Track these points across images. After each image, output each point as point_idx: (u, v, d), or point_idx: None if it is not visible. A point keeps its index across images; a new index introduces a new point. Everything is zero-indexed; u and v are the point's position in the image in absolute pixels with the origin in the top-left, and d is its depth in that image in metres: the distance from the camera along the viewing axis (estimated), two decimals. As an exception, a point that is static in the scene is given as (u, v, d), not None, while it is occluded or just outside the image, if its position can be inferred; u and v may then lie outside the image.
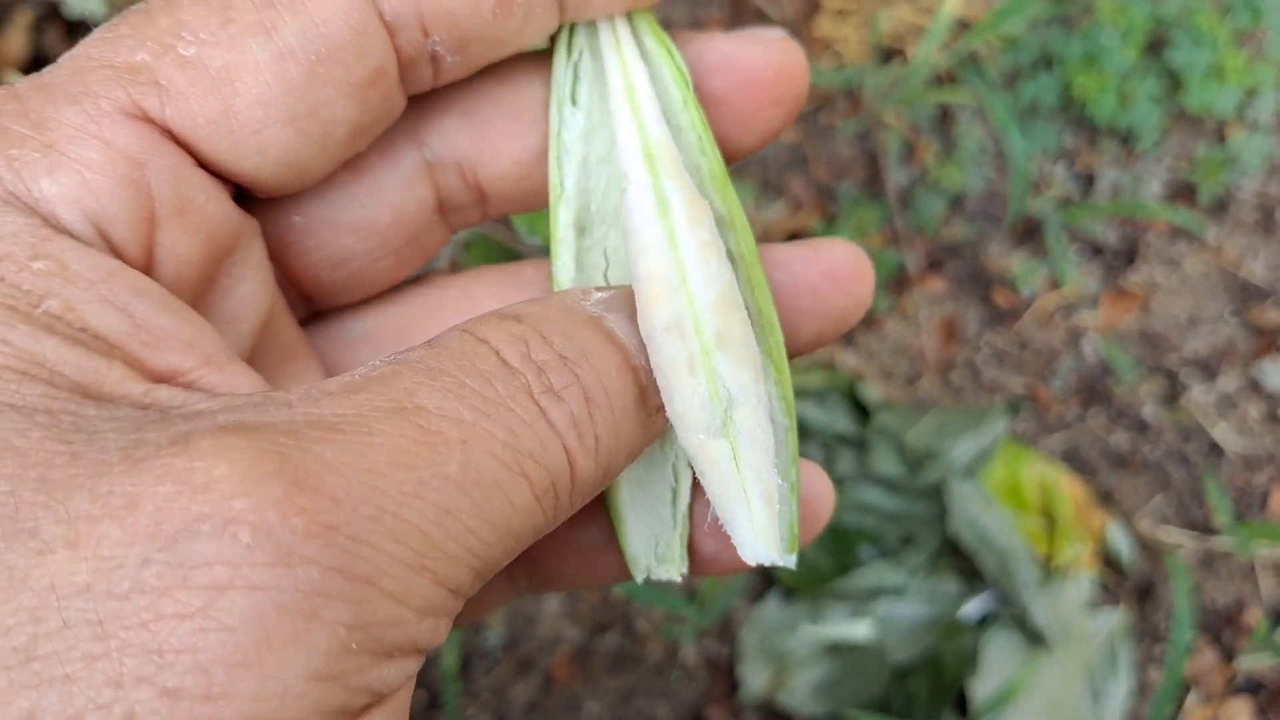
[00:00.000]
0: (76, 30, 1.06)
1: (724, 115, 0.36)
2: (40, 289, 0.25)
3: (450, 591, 0.25)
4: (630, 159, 0.35)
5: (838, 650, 0.97)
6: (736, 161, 0.37)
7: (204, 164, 0.30)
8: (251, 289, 0.33)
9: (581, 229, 0.37)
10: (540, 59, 0.37)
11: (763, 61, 0.36)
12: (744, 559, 0.33)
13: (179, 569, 0.22)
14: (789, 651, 0.98)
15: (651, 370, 0.32)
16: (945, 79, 1.16)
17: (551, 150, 0.36)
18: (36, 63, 1.07)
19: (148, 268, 0.29)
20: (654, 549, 0.37)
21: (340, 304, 0.38)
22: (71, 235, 0.27)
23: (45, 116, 0.27)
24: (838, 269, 0.37)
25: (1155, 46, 1.16)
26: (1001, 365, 1.12)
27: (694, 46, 0.36)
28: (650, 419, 0.32)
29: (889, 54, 1.17)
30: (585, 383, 0.29)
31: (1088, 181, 1.16)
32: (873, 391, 1.07)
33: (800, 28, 1.16)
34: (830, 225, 1.11)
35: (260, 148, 0.30)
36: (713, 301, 0.33)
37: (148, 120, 0.28)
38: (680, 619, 0.99)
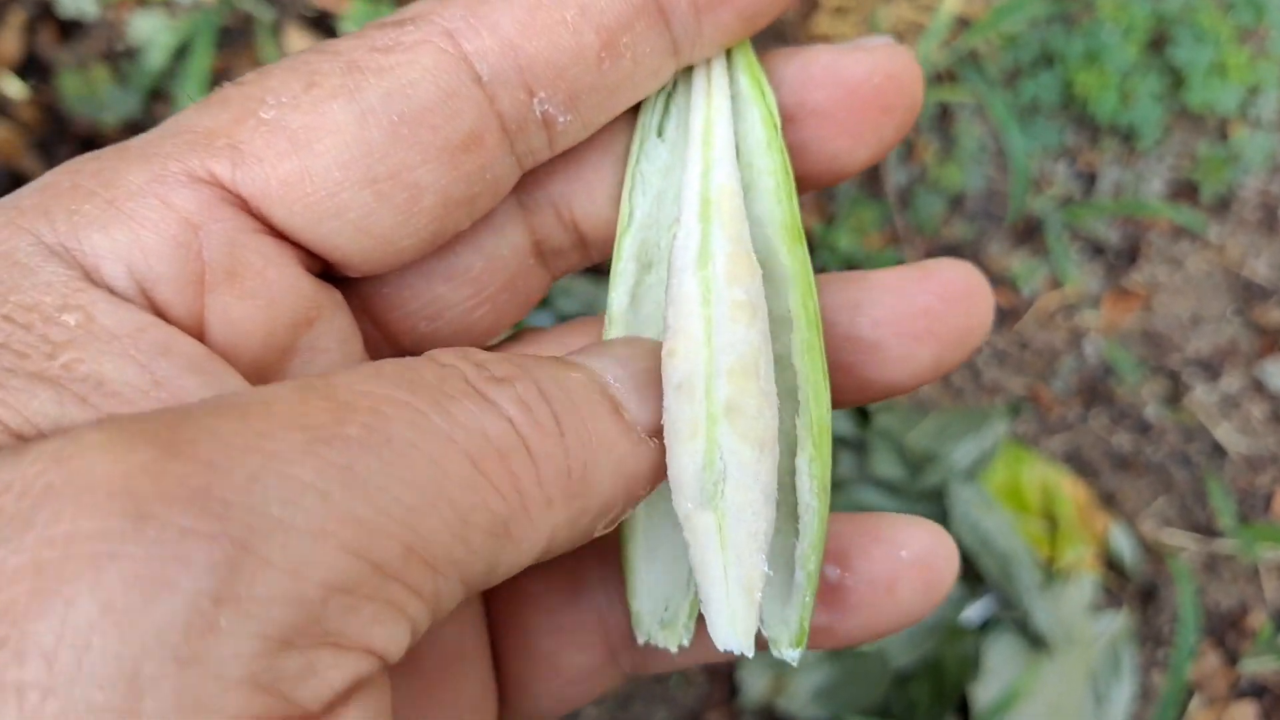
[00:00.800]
0: (70, 30, 1.05)
1: (832, 130, 0.35)
2: (62, 339, 0.25)
3: (376, 568, 0.22)
4: (688, 202, 0.34)
5: (838, 655, 0.96)
6: (849, 178, 0.36)
7: (277, 229, 0.29)
8: (333, 361, 0.31)
9: (646, 264, 0.35)
10: None
11: (867, 68, 0.34)
12: (713, 640, 0.32)
13: (26, 536, 0.20)
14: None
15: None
16: (945, 77, 1.15)
17: (627, 180, 0.35)
18: (30, 63, 1.06)
19: (198, 331, 0.28)
20: (661, 611, 0.35)
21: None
22: (111, 290, 0.26)
23: (116, 176, 0.27)
24: (951, 289, 0.35)
25: (1157, 44, 1.15)
26: (1002, 366, 1.11)
27: (796, 61, 0.35)
28: (640, 440, 0.30)
29: (888, 52, 1.16)
30: (536, 377, 0.27)
31: (1089, 180, 1.15)
32: (872, 393, 1.06)
33: (799, 25, 1.15)
34: (829, 225, 1.10)
35: (337, 210, 0.29)
36: (730, 366, 0.32)
37: (215, 184, 0.28)
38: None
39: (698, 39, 0.32)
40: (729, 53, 0.35)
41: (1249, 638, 1.03)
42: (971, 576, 0.99)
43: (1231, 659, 1.03)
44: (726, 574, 0.31)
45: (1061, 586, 0.99)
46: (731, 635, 0.31)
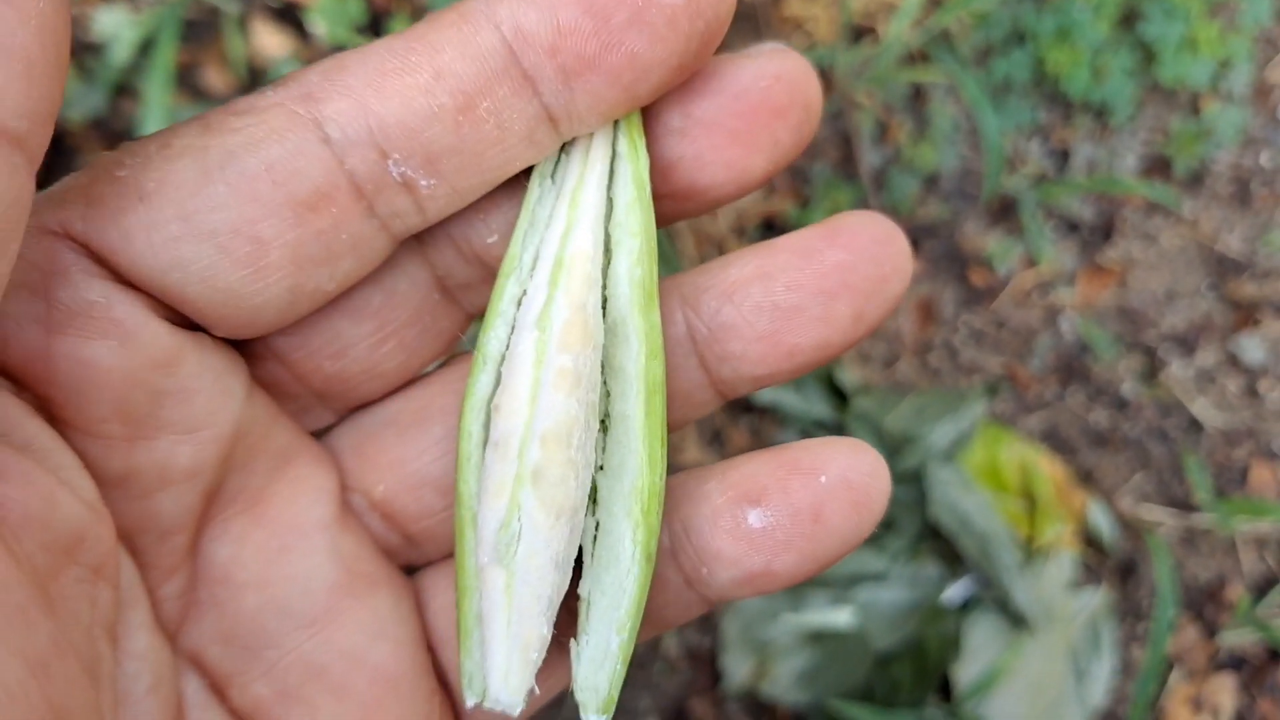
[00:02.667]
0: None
1: (722, 139, 0.34)
2: None
3: None
4: (543, 260, 0.34)
5: (820, 638, 0.97)
6: (753, 189, 0.35)
7: (128, 279, 0.30)
8: (209, 399, 0.32)
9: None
10: None
11: (751, 74, 0.34)
12: (492, 704, 0.33)
13: None
14: (771, 641, 0.97)
15: None
16: (917, 57, 1.14)
17: (521, 219, 0.35)
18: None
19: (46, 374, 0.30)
20: (503, 670, 0.34)
21: (363, 399, 0.37)
22: None
23: None
24: (859, 240, 0.35)
25: (1128, 20, 1.15)
26: (979, 345, 1.11)
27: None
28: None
29: (860, 33, 1.15)
30: None
31: (1063, 157, 1.15)
32: (850, 375, 1.06)
33: (770, 7, 1.15)
34: (804, 208, 1.10)
35: (179, 262, 0.29)
36: (545, 432, 0.33)
37: (66, 235, 0.29)
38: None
39: (573, 109, 0.32)
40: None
41: (1227, 610, 1.04)
42: (951, 557, 0.99)
43: (1210, 632, 1.04)
44: (508, 630, 0.33)
45: (1041, 565, 1.00)
46: (503, 691, 0.33)
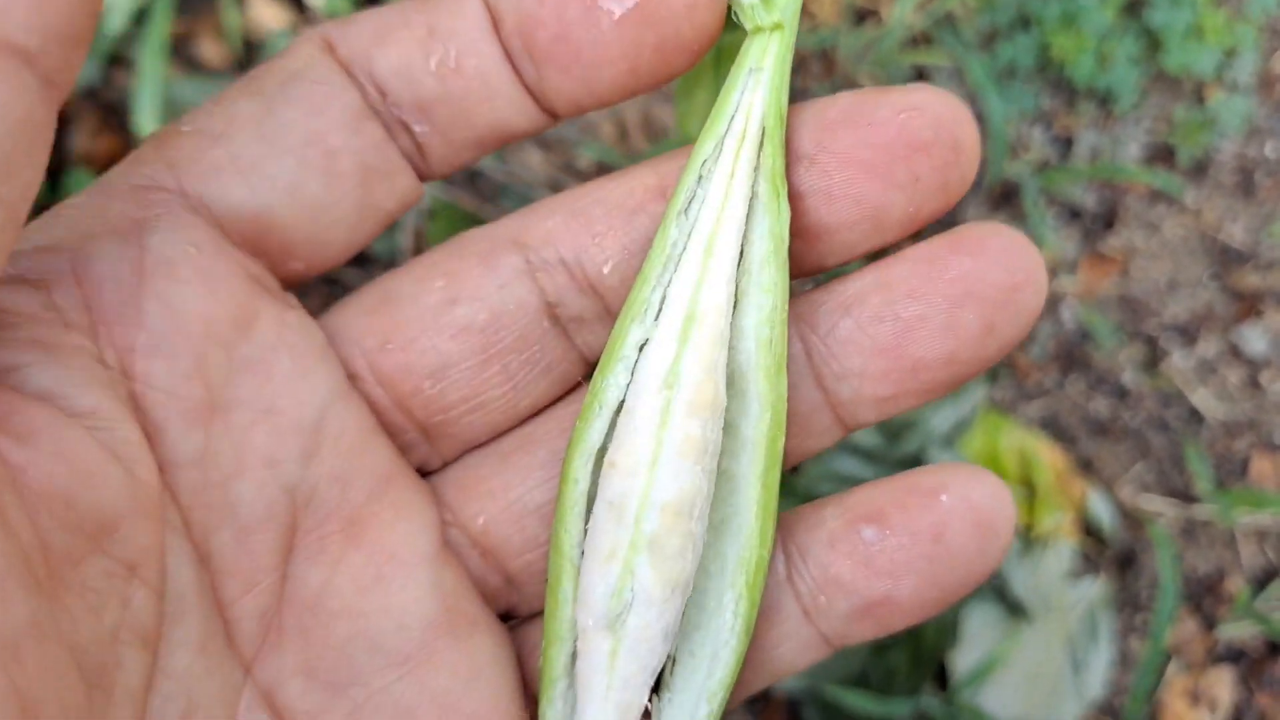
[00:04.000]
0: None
1: (856, 172, 0.32)
2: None
3: None
4: (671, 312, 0.32)
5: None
6: (892, 235, 0.33)
7: (219, 221, 0.31)
8: (288, 381, 0.31)
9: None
10: (668, 159, 0.34)
11: (893, 105, 0.32)
12: None
13: None
14: (766, 626, 0.96)
15: None
16: (921, 40, 1.13)
17: (652, 256, 0.33)
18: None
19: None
20: None
21: (471, 440, 0.36)
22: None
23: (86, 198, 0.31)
24: (986, 247, 0.33)
25: (1134, 7, 1.14)
26: (979, 333, 1.10)
27: (817, 105, 0.33)
28: None
29: (863, 15, 1.14)
30: None
31: (1066, 144, 1.14)
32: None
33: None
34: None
35: (267, 181, 0.31)
36: (666, 502, 0.31)
37: (153, 187, 0.30)
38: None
39: (545, 89, 0.33)
40: (764, 136, 0.33)
41: (1226, 603, 1.03)
42: (949, 544, 0.99)
43: (1209, 624, 1.03)
44: (607, 695, 0.32)
45: (1040, 554, 0.99)
46: None
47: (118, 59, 1.03)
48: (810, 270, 0.34)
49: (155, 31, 1.01)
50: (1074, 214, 1.13)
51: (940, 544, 0.33)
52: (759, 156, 0.33)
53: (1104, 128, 1.15)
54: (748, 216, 0.33)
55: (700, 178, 0.33)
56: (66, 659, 0.25)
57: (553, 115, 0.33)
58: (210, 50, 1.05)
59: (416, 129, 0.33)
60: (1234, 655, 1.02)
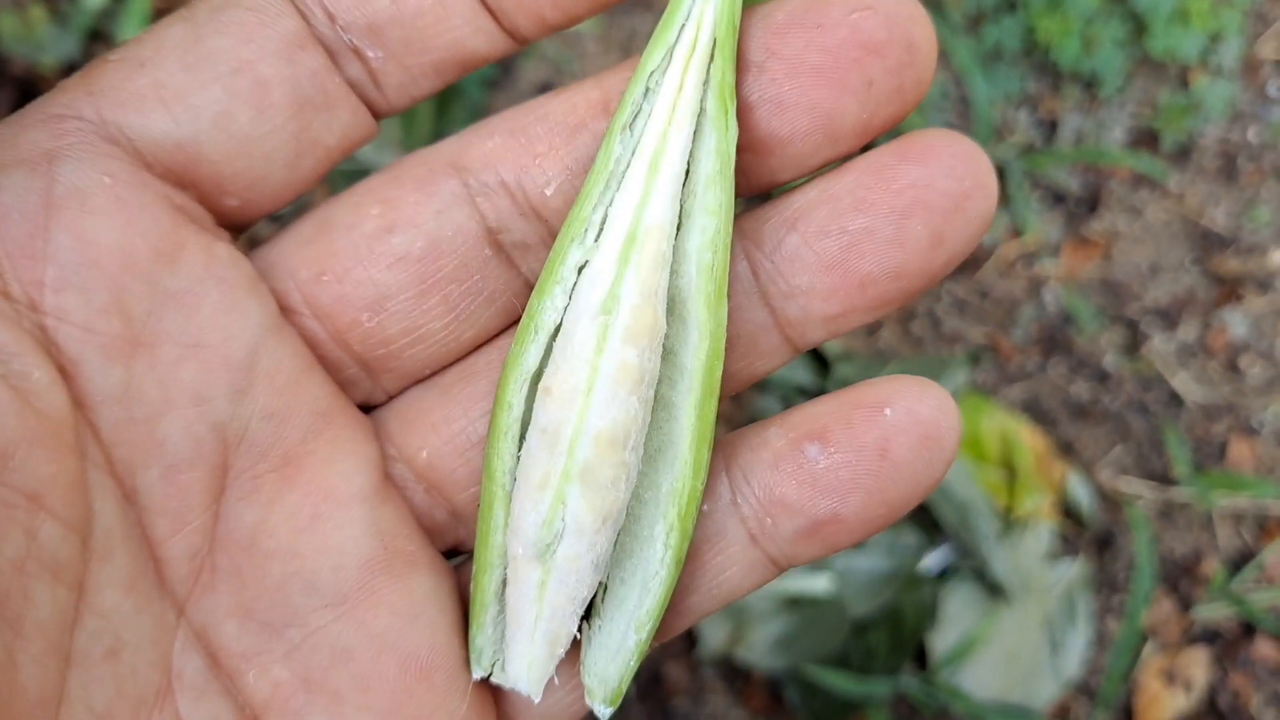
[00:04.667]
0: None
1: (808, 78, 0.31)
2: None
3: None
4: (611, 233, 0.31)
5: (797, 604, 0.96)
6: (845, 141, 0.31)
7: (135, 154, 0.30)
8: (215, 314, 0.30)
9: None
10: (614, 73, 0.33)
11: (844, 4, 0.30)
12: (500, 679, 0.32)
13: None
14: (747, 606, 0.97)
15: None
16: (907, 22, 1.13)
17: (594, 173, 0.32)
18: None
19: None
20: (496, 650, 0.33)
21: (414, 373, 0.34)
22: None
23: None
24: (934, 153, 0.31)
25: (1120, -10, 1.14)
26: (962, 315, 1.10)
27: (766, 8, 0.32)
28: None
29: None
30: None
31: (1050, 128, 1.15)
32: (832, 342, 1.05)
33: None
34: (790, 173, 1.09)
35: (191, 112, 0.30)
36: (600, 431, 0.30)
37: (72, 116, 0.29)
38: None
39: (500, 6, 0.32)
40: (712, 55, 0.31)
41: (1202, 585, 1.04)
42: (930, 525, 0.99)
43: (1185, 605, 1.04)
44: (536, 625, 0.31)
45: (1019, 535, 1.00)
46: (522, 677, 0.32)
47: (98, 34, 1.02)
48: (761, 187, 0.33)
49: (136, 7, 1.00)
50: (1058, 197, 1.14)
51: (886, 459, 0.32)
52: (709, 69, 0.31)
53: (1089, 111, 1.15)
54: (694, 133, 0.31)
55: (647, 90, 0.32)
56: None
57: (516, 37, 0.32)
58: (192, 26, 1.04)
59: (369, 55, 0.31)
60: (1209, 636, 1.03)
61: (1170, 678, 1.01)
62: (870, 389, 0.32)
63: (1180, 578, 1.05)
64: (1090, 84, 1.15)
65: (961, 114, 1.13)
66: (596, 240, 0.31)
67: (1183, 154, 1.15)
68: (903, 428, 0.32)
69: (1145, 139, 1.15)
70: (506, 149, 0.32)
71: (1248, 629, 1.03)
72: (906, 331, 1.09)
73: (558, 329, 0.32)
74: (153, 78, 0.29)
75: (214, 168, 0.30)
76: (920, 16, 0.30)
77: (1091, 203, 1.14)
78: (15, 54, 1.01)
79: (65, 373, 0.28)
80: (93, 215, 0.28)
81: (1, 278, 0.27)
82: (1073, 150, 1.13)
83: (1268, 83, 1.16)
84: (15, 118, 0.29)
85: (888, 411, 0.32)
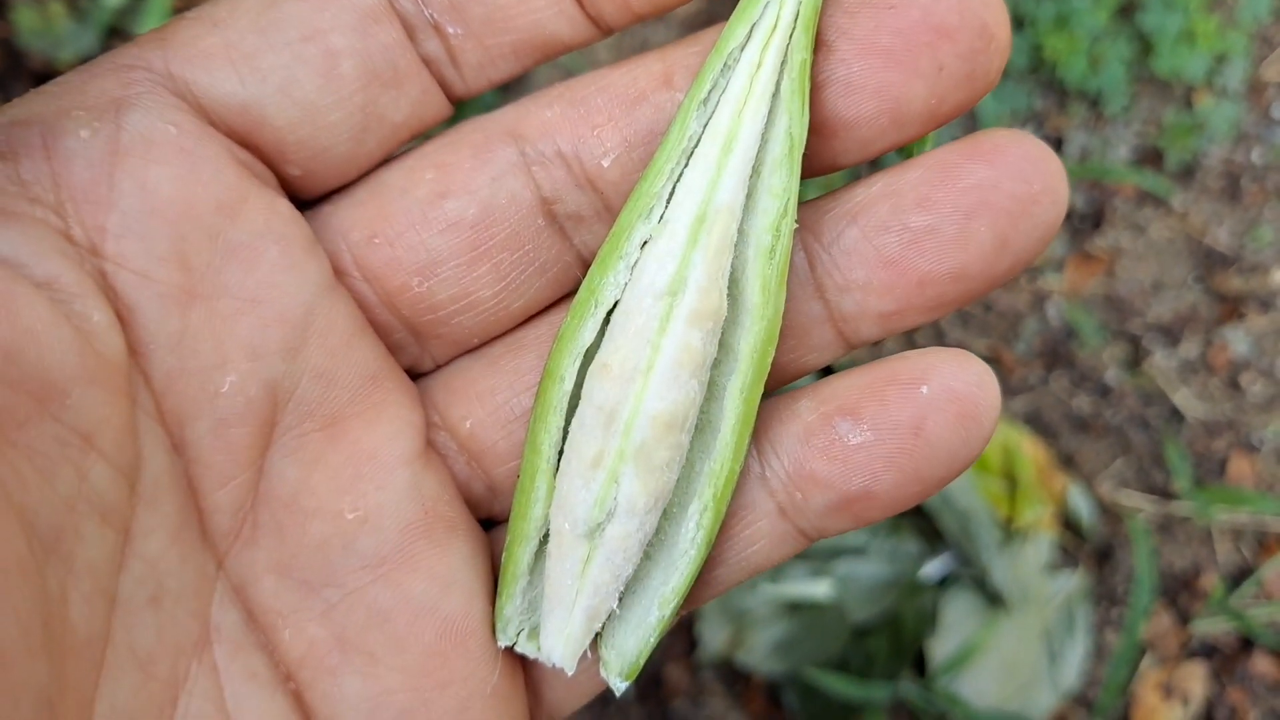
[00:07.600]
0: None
1: (878, 60, 0.30)
2: None
3: None
4: (680, 211, 0.30)
5: (797, 609, 0.97)
6: (913, 128, 0.30)
7: (203, 111, 0.30)
8: (274, 271, 0.30)
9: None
10: (677, 46, 0.32)
11: None
12: (534, 651, 0.32)
13: None
14: (748, 610, 0.97)
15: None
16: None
17: (667, 142, 0.31)
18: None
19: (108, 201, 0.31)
20: (527, 618, 0.33)
21: (462, 342, 0.34)
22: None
23: (73, 80, 0.31)
24: (1004, 155, 0.30)
25: (1126, 10, 1.15)
26: (966, 327, 1.11)
27: None
28: None
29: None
30: None
31: (1056, 144, 1.16)
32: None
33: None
34: (797, 182, 1.10)
35: (258, 74, 0.30)
36: (658, 412, 0.30)
37: (143, 67, 0.29)
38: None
39: None
40: (792, 34, 0.30)
41: (1201, 599, 1.04)
42: (931, 533, 1.00)
43: (1183, 619, 1.04)
44: (576, 600, 0.31)
45: (1019, 545, 1.00)
46: (557, 650, 0.32)
47: (117, 31, 1.03)
48: (822, 170, 0.32)
49: (156, 4, 1.01)
50: (1062, 213, 1.14)
51: (920, 438, 0.31)
52: (787, 49, 0.30)
53: (1094, 129, 1.16)
54: (770, 113, 0.31)
55: (725, 65, 0.31)
56: (6, 510, 0.25)
57: (600, 24, 0.31)
58: (210, 24, 1.05)
59: (449, 30, 0.31)
60: (1207, 650, 1.03)
61: (1168, 691, 1.02)
62: (906, 362, 0.31)
63: (1179, 591, 1.05)
64: (1096, 102, 1.16)
65: (968, 130, 1.14)
66: (662, 218, 0.31)
67: (1187, 173, 1.16)
68: (939, 405, 0.31)
69: (1150, 157, 1.16)
70: (565, 119, 0.32)
71: (1246, 644, 1.03)
72: (910, 343, 1.10)
73: (614, 305, 0.31)
74: (224, 37, 0.30)
75: (277, 133, 0.30)
76: (996, 3, 0.30)
77: (1096, 219, 1.14)
78: (33, 49, 1.02)
79: (122, 319, 0.28)
80: (157, 164, 0.28)
81: (65, 221, 0.28)
82: (1078, 167, 1.14)
83: (1272, 105, 1.17)
84: (86, 67, 0.30)
85: (924, 389, 0.31)
